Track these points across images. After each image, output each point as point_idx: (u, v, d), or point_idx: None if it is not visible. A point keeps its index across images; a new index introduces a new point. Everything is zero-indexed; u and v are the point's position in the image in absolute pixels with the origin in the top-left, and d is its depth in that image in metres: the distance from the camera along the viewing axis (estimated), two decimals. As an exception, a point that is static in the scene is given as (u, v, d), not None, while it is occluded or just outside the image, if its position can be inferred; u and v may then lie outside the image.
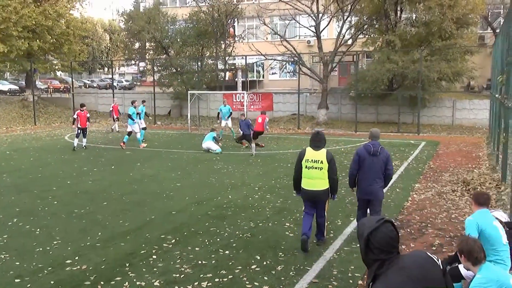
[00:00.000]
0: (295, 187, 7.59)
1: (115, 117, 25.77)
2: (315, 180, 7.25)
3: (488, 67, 26.63)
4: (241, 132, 19.16)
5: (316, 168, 7.24)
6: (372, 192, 7.33)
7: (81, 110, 18.86)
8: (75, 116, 18.84)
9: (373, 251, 2.58)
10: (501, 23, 19.22)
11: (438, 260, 2.64)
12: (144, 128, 21.82)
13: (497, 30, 25.53)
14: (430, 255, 2.66)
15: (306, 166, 7.31)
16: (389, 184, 9.18)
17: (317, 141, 7.36)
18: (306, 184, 7.33)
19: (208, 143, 18.02)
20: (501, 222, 5.80)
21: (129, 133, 19.68)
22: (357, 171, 7.40)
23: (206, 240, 7.77)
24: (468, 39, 28.90)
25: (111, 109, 26.05)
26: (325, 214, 7.59)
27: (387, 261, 2.56)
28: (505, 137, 11.00)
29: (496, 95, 14.72)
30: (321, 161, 7.24)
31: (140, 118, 21.04)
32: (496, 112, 15.65)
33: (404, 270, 2.54)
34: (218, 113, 22.79)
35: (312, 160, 7.26)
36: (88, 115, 19.08)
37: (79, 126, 18.58)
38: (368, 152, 7.27)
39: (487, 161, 15.07)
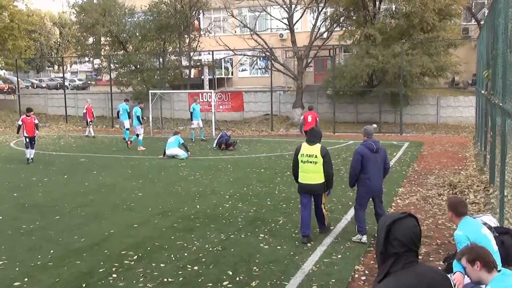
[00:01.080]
0: (295, 180, 8.59)
1: (89, 120, 25.26)
2: (310, 174, 8.17)
3: (473, 61, 27.38)
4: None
5: (311, 162, 8.15)
6: (378, 189, 8.25)
7: (27, 116, 17.18)
8: (19, 123, 17.26)
9: (392, 243, 2.61)
10: (486, 14, 19.78)
11: (452, 282, 2.69)
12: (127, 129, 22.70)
13: (482, 22, 26.21)
14: (444, 274, 2.74)
15: (302, 160, 8.22)
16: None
17: (312, 137, 8.29)
18: (302, 178, 8.27)
19: (173, 150, 17.85)
20: (490, 227, 5.95)
21: (137, 135, 20.50)
22: (360, 171, 8.09)
23: (172, 255, 7.70)
24: (451, 32, 29.60)
25: (84, 111, 25.40)
26: (323, 207, 8.52)
27: (403, 258, 2.60)
28: (493, 136, 11.29)
29: (482, 91, 15.11)
30: (316, 155, 8.17)
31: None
32: (482, 109, 16.07)
33: (419, 275, 2.58)
34: (191, 112, 22.71)
35: (307, 154, 8.18)
36: (36, 121, 17.41)
37: (25, 134, 16.96)
38: (371, 150, 8.05)
39: (474, 162, 15.44)
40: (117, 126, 30.58)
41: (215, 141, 20.20)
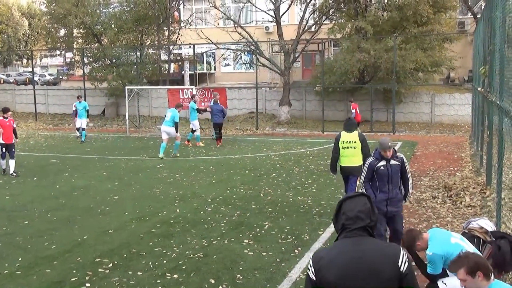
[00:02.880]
0: (331, 167, 10.32)
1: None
2: (351, 157, 9.86)
3: (469, 57, 27.64)
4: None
5: (350, 147, 9.84)
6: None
7: (4, 118, 15.01)
8: None
9: (342, 217, 3.16)
10: (482, 8, 20.01)
11: (401, 260, 3.03)
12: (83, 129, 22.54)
13: (478, 16, 26.51)
14: (395, 252, 3.07)
15: (342, 146, 9.89)
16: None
17: (349, 125, 10.06)
18: (343, 161, 9.97)
19: (166, 128, 17.90)
20: (486, 232, 6.04)
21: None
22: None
23: (150, 263, 7.68)
24: (446, 25, 29.94)
25: (74, 108, 23.87)
26: (356, 187, 9.74)
27: (348, 230, 3.11)
28: (490, 136, 11.42)
29: (479, 88, 15.28)
30: (355, 141, 9.86)
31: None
32: (479, 108, 16.24)
33: (355, 243, 3.07)
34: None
35: (347, 141, 9.87)
36: (15, 124, 15.38)
37: (1, 141, 14.79)
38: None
39: (470, 163, 15.61)
40: (91, 124, 30.35)
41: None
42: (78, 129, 22.80)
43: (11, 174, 14.82)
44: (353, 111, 23.95)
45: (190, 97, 23.60)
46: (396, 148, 18.86)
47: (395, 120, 25.92)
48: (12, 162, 15.01)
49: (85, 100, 24.86)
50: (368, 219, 3.12)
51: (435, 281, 5.64)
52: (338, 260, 3.05)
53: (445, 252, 5.37)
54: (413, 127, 27.21)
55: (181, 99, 25.38)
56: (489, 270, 4.20)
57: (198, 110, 21.36)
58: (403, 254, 3.07)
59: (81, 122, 22.45)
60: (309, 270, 3.14)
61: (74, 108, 23.32)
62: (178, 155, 18.06)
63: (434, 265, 5.54)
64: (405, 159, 7.73)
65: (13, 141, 15.12)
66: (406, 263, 3.04)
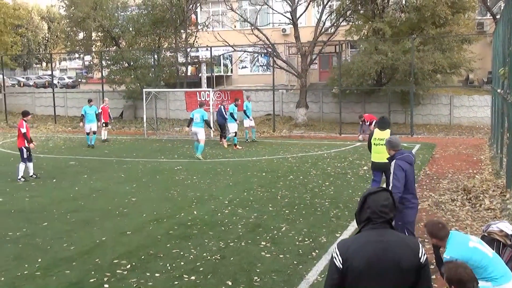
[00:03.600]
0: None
1: (103, 122, 23.69)
2: (382, 154, 9.76)
3: (488, 58, 27.32)
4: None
5: (381, 144, 9.96)
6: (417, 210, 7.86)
7: (24, 121, 15.05)
8: (23, 130, 14.82)
9: (366, 210, 3.38)
10: (502, 8, 19.79)
11: (420, 251, 3.30)
12: (94, 132, 22.14)
13: (498, 16, 26.22)
14: (415, 243, 3.36)
15: (374, 143, 10.48)
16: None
17: (383, 123, 10.56)
18: (375, 157, 10.50)
19: (197, 129, 18.11)
20: (506, 235, 5.96)
21: (235, 133, 21.30)
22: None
23: (168, 265, 7.71)
24: (465, 26, 29.63)
25: (100, 110, 23.29)
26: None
27: (372, 222, 3.34)
28: (510, 138, 11.29)
29: (498, 90, 15.11)
30: (386, 138, 9.39)
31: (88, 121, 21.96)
32: (498, 109, 16.06)
33: (380, 234, 3.30)
34: (244, 111, 22.76)
35: (378, 138, 10.37)
36: (23, 128, 14.90)
37: (26, 145, 14.78)
38: (411, 163, 7.48)
39: (489, 165, 15.44)
40: (109, 127, 30.57)
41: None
42: (88, 133, 21.88)
43: (33, 176, 15.01)
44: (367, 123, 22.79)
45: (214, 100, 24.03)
46: (414, 150, 18.81)
47: (413, 122, 25.71)
48: (30, 166, 15.07)
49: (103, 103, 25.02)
50: (391, 213, 3.37)
51: None
52: (366, 250, 3.26)
53: (463, 256, 5.31)
54: (431, 129, 26.97)
55: (198, 102, 25.47)
56: (464, 286, 4.31)
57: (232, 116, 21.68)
58: (422, 247, 3.35)
59: (91, 126, 21.83)
60: (335, 259, 3.31)
61: (82, 113, 22.34)
62: (201, 158, 18.00)
63: None
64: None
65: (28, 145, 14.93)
66: (425, 255, 3.32)
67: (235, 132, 21.47)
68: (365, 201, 3.40)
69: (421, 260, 3.28)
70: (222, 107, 22.67)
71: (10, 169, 16.44)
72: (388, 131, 10.36)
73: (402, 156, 7.44)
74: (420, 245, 3.36)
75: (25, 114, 15.43)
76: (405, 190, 7.27)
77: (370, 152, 10.79)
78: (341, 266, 3.27)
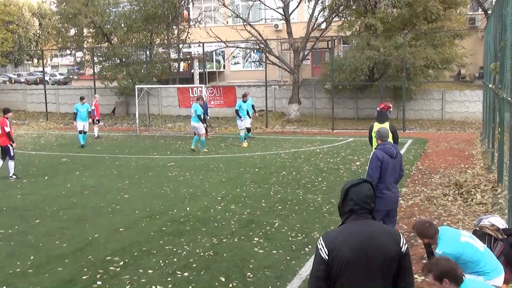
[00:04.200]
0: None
1: (96, 119, 23.26)
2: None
3: (480, 54, 27.45)
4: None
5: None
6: (396, 200, 7.90)
7: (6, 118, 14.80)
8: (8, 129, 14.52)
9: (349, 202, 3.48)
10: (493, 4, 19.86)
11: (401, 240, 3.43)
12: (85, 132, 21.22)
13: (489, 12, 26.31)
14: (396, 233, 3.50)
15: (375, 136, 9.94)
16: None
17: (381, 117, 10.62)
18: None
19: (194, 123, 18.60)
20: (498, 229, 6.00)
21: (249, 130, 20.89)
22: (378, 179, 7.41)
23: (161, 261, 7.71)
24: (457, 22, 29.68)
25: (92, 108, 22.76)
26: None
27: (355, 213, 3.45)
28: (501, 133, 11.36)
29: (490, 85, 15.18)
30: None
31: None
32: (490, 104, 16.14)
33: (364, 225, 3.41)
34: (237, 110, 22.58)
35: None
36: (7, 127, 14.50)
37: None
38: (391, 154, 7.54)
39: (481, 160, 15.53)
40: (101, 123, 30.46)
41: None
42: (80, 132, 20.96)
43: (11, 176, 14.63)
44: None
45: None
46: (406, 145, 18.87)
47: (405, 118, 25.79)
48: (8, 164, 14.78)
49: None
50: (373, 203, 3.50)
51: None
52: (351, 240, 3.36)
53: (455, 252, 5.34)
54: (423, 125, 27.05)
55: (190, 98, 25.45)
56: (456, 276, 4.31)
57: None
58: (402, 237, 3.50)
59: (84, 124, 21.05)
60: (320, 250, 3.39)
61: (74, 111, 21.54)
62: (205, 150, 18.71)
63: None
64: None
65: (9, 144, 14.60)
66: (406, 245, 3.45)
67: (247, 128, 20.86)
68: (348, 193, 3.49)
69: (403, 249, 3.40)
70: (205, 104, 22.34)
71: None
72: (387, 123, 10.55)
73: (383, 147, 7.57)
74: (401, 235, 3.49)
75: (6, 111, 15.12)
76: (380, 179, 7.38)
77: (371, 144, 10.76)
78: (326, 257, 3.35)
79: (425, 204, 10.80)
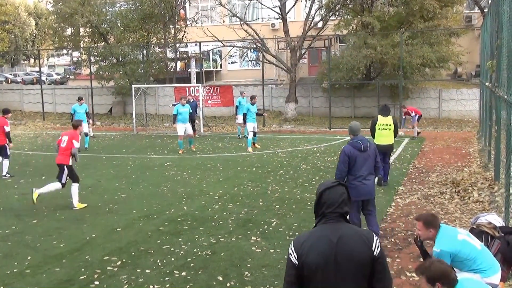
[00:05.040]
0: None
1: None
2: (386, 137, 12.16)
3: (476, 52, 27.50)
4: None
5: (386, 129, 12.19)
6: (369, 191, 8.23)
7: (5, 118, 14.83)
8: (8, 129, 14.69)
9: (322, 205, 3.44)
10: (489, 2, 19.89)
11: (373, 243, 3.33)
12: (86, 134, 20.54)
13: (485, 10, 26.34)
14: (369, 237, 3.38)
15: (379, 128, 12.17)
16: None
17: (385, 111, 12.35)
18: (379, 140, 12.05)
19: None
20: (495, 227, 6.02)
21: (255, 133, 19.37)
22: (346, 172, 8.06)
23: (159, 261, 7.71)
24: (453, 20, 29.70)
25: (72, 112, 21.48)
26: (390, 162, 12.60)
27: (327, 216, 3.41)
28: (497, 131, 11.37)
29: (486, 83, 15.21)
30: (390, 124, 12.20)
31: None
32: (486, 103, 16.17)
33: (334, 228, 3.36)
34: (237, 106, 22.50)
35: (383, 123, 12.18)
36: (7, 127, 14.68)
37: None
38: (359, 149, 8.08)
39: (478, 158, 15.55)
40: (98, 123, 30.45)
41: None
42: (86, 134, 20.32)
43: (4, 175, 14.67)
44: (413, 114, 21.94)
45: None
46: (403, 144, 18.88)
47: (402, 116, 25.79)
48: (5, 164, 14.81)
49: (92, 100, 24.58)
50: (346, 207, 3.44)
51: None
52: (319, 245, 3.33)
53: (453, 249, 5.35)
54: (420, 123, 26.94)
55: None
56: (449, 280, 4.31)
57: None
58: (376, 239, 3.40)
59: (83, 126, 20.51)
60: (291, 255, 3.38)
61: (71, 112, 20.74)
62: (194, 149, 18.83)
63: None
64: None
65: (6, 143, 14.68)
66: (379, 248, 3.36)
67: (253, 132, 19.07)
68: (321, 196, 3.46)
69: (375, 253, 3.33)
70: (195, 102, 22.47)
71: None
72: (390, 117, 12.09)
73: (351, 142, 8.17)
74: (375, 238, 3.41)
75: (6, 112, 15.07)
76: (349, 172, 8.05)
77: (373, 137, 12.05)
78: (296, 262, 3.34)
79: (422, 202, 10.82)
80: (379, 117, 12.20)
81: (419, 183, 12.62)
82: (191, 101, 21.92)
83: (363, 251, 3.32)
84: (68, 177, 11.11)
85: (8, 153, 14.72)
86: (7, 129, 14.58)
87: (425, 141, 20.19)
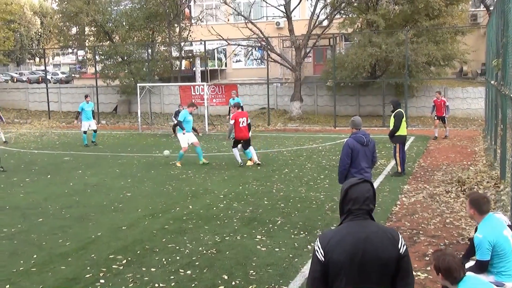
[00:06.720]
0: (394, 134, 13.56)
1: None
2: (405, 128, 13.71)
3: (482, 50, 27.39)
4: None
5: (406, 122, 13.97)
6: None
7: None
8: None
9: (348, 202, 3.43)
10: (495, 0, 19.82)
11: (399, 241, 3.34)
12: (95, 131, 21.12)
13: (491, 8, 26.25)
14: (394, 235, 3.38)
15: (405, 120, 13.57)
16: (375, 186, 9.43)
17: (400, 104, 13.77)
18: (404, 131, 13.58)
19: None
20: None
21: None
22: (349, 164, 8.24)
23: (164, 259, 7.71)
24: (458, 18, 29.62)
25: (79, 110, 21.86)
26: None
27: (354, 213, 3.39)
28: (503, 129, 11.32)
29: (492, 82, 15.14)
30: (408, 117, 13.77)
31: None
32: (492, 101, 16.09)
33: (361, 226, 3.35)
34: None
35: (405, 116, 13.62)
36: None
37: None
38: (362, 143, 8.25)
39: (484, 157, 15.49)
40: (103, 122, 30.52)
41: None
42: (85, 132, 20.77)
43: None
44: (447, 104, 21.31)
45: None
46: (409, 142, 18.84)
47: (407, 115, 25.71)
48: None
49: (97, 99, 24.79)
50: (372, 204, 3.44)
51: (484, 270, 5.41)
52: (346, 241, 3.31)
53: (494, 240, 5.23)
54: (425, 122, 26.98)
55: (192, 96, 25.45)
56: (450, 276, 4.33)
57: None
58: (401, 238, 3.40)
59: (90, 124, 20.80)
60: (317, 252, 3.37)
61: (79, 109, 21.25)
62: (202, 162, 16.03)
63: (481, 250, 5.31)
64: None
65: None
66: (404, 246, 3.37)
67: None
68: (347, 193, 3.45)
69: (401, 251, 3.32)
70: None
71: (4, 165, 16.38)
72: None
73: (355, 135, 8.31)
74: (400, 236, 3.41)
75: None
76: (352, 164, 8.22)
77: (398, 130, 13.33)
78: (323, 259, 3.33)
79: (427, 201, 10.79)
80: (402, 111, 13.55)
81: (424, 182, 12.58)
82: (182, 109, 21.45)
83: (390, 249, 3.32)
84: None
85: None
86: None
87: (430, 140, 20.13)
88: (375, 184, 12.06)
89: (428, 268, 6.81)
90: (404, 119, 13.56)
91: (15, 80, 47.61)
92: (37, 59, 68.68)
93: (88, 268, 7.44)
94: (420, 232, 8.75)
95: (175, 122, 22.43)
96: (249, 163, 15.50)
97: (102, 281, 6.97)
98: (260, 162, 15.52)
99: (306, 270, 7.17)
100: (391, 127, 13.56)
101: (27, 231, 9.37)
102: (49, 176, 14.66)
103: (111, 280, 7.00)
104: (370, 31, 27.74)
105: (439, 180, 12.68)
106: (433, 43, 26.51)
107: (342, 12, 30.27)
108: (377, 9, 27.81)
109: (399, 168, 13.42)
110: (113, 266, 7.47)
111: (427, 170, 14.16)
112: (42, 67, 47.02)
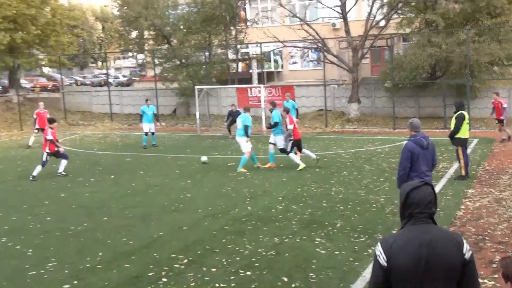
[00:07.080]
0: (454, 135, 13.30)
1: (36, 127, 22.15)
2: (468, 131, 13.44)
3: (548, 48, 26.21)
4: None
5: (468, 123, 13.45)
6: None
7: (51, 128, 15.25)
8: (49, 137, 15.02)
9: (410, 206, 3.33)
10: None
11: (464, 246, 3.24)
12: (152, 133, 21.51)
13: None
14: (459, 239, 3.28)
15: (467, 123, 13.23)
16: (437, 190, 9.20)
17: (463, 106, 13.59)
18: (465, 134, 13.23)
19: (238, 138, 15.80)
20: None
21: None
22: (409, 168, 8.00)
23: (224, 260, 7.78)
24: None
25: (34, 116, 22.54)
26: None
27: (416, 217, 3.30)
28: None
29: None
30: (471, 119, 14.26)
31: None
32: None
33: (424, 230, 3.26)
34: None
35: (467, 118, 13.28)
36: (48, 136, 15.07)
37: (48, 151, 15.04)
38: (422, 146, 8.00)
39: (552, 159, 14.86)
40: (163, 124, 31.08)
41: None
42: (146, 134, 21.18)
43: (61, 173, 15.30)
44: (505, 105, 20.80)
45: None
46: (472, 145, 18.27)
47: (470, 116, 24.94)
48: (63, 164, 15.38)
49: (157, 101, 25.32)
50: (434, 208, 3.35)
51: None
52: (410, 246, 3.22)
53: None
54: (489, 123, 26.01)
55: (249, 98, 25.59)
56: None
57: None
58: (466, 242, 3.30)
59: (150, 126, 21.14)
60: (379, 257, 3.28)
61: (140, 112, 21.65)
62: (243, 170, 15.16)
63: None
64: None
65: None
66: (470, 251, 3.26)
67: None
68: (408, 196, 3.35)
69: (466, 256, 3.22)
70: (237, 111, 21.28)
71: (70, 166, 16.86)
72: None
73: (414, 138, 8.05)
74: (465, 241, 3.30)
75: (51, 121, 15.52)
76: (412, 168, 7.96)
77: (458, 132, 13.06)
78: (385, 264, 3.25)
79: (493, 206, 10.41)
80: (465, 113, 13.17)
81: (489, 186, 12.16)
82: (234, 110, 22.14)
83: (455, 255, 3.22)
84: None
85: (44, 159, 14.94)
86: (48, 138, 14.96)
87: (495, 142, 19.46)
88: (437, 188, 11.77)
89: (496, 276, 6.58)
90: (467, 121, 13.17)
91: (79, 84, 49.27)
92: (99, 63, 70.90)
93: (151, 266, 7.59)
94: (486, 238, 8.45)
95: (227, 123, 23.06)
96: (264, 166, 15.83)
97: (164, 279, 7.10)
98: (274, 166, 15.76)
99: (366, 274, 7.06)
100: (452, 128, 13.21)
101: (92, 229, 9.67)
102: (112, 176, 15.08)
103: (173, 279, 7.12)
104: (429, 31, 27.08)
105: (505, 184, 12.22)
106: (496, 42, 25.59)
107: (400, 12, 29.68)
108: (436, 8, 27.15)
109: (463, 172, 13.02)
110: (175, 265, 7.60)
111: (492, 173, 13.69)
112: (104, 71, 48.49)
